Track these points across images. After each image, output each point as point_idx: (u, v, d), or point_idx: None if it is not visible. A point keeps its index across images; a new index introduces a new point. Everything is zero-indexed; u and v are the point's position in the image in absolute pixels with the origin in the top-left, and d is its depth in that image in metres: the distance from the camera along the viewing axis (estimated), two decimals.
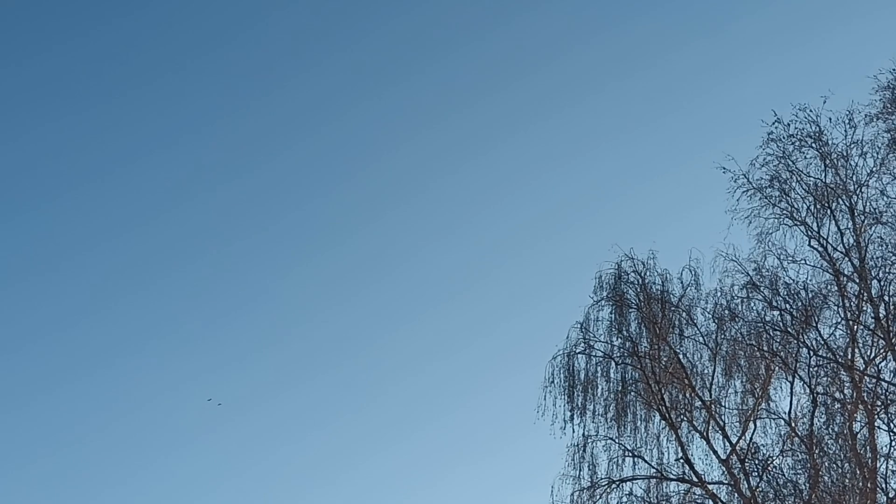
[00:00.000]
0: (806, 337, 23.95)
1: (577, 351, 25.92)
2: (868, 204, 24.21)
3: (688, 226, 39.72)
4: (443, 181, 53.27)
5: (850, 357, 23.58)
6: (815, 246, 24.37)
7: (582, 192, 49.98)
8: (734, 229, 24.99)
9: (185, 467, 47.53)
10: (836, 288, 24.05)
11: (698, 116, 47.56)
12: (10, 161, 52.88)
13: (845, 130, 24.48)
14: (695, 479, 24.50)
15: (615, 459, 25.16)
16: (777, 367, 24.60)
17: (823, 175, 24.56)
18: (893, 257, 23.58)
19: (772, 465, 24.15)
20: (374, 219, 52.52)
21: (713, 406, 24.83)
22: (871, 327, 23.66)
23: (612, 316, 25.92)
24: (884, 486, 22.91)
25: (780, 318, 24.31)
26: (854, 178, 24.42)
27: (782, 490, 23.87)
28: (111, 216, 53.66)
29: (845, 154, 24.49)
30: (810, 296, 24.09)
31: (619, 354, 25.70)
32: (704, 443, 24.63)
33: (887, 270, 23.60)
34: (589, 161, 50.12)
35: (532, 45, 52.66)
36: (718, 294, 25.40)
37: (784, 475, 24.06)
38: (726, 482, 24.25)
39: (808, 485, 23.58)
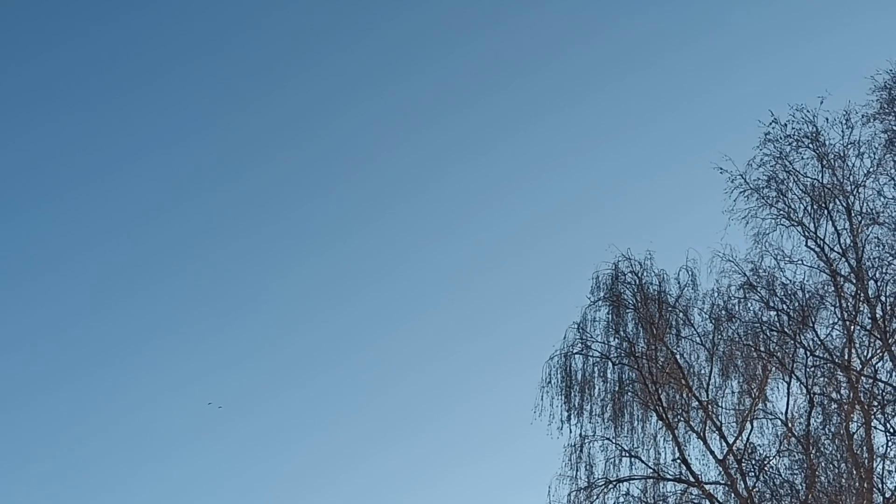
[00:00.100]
0: (803, 337, 23.97)
1: (575, 351, 25.97)
2: (865, 204, 24.25)
3: (685, 226, 39.77)
4: (441, 181, 53.33)
5: (846, 357, 23.59)
6: (812, 246, 24.40)
7: (579, 193, 50.02)
8: (731, 230, 25.06)
9: (185, 467, 47.58)
10: (832, 288, 24.06)
11: (695, 117, 47.61)
12: (10, 161, 52.95)
13: (842, 131, 24.53)
14: (692, 479, 24.53)
15: (612, 459, 25.21)
16: (774, 368, 24.61)
17: (820, 175, 24.59)
18: (890, 258, 23.60)
19: (768, 466, 24.17)
20: (373, 219, 52.61)
21: (710, 406, 24.85)
22: (868, 328, 23.68)
23: (609, 316, 25.97)
24: (880, 486, 22.92)
25: (776, 319, 24.33)
26: (851, 179, 24.45)
27: (779, 490, 23.89)
28: (111, 216, 53.73)
29: (842, 154, 24.51)
30: (807, 296, 24.11)
31: (616, 355, 25.73)
32: (701, 443, 24.67)
33: (884, 271, 23.63)
34: (586, 161, 50.19)
35: (531, 45, 52.72)
36: (715, 294, 25.46)
37: (781, 475, 24.08)
38: (723, 482, 24.27)
39: (804, 485, 23.60)
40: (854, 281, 23.86)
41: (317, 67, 54.34)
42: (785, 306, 24.23)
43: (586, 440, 25.36)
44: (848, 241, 24.11)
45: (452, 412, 48.10)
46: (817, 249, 24.31)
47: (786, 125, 24.77)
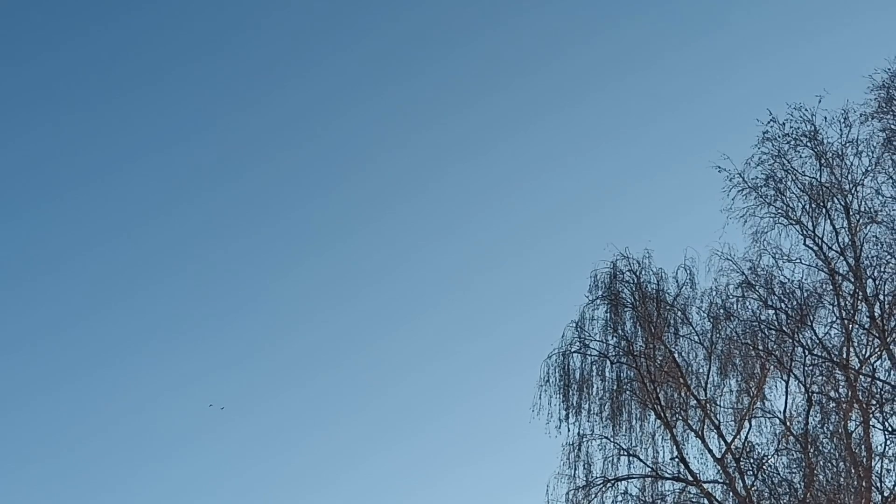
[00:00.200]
0: (801, 336, 23.96)
1: (573, 350, 25.98)
2: (863, 203, 24.24)
3: (683, 225, 39.78)
4: (441, 181, 53.37)
5: (845, 356, 23.57)
6: (811, 245, 24.41)
7: (577, 192, 50.06)
8: (729, 228, 25.05)
9: (185, 467, 47.61)
10: (831, 287, 24.05)
11: (694, 116, 47.62)
12: (10, 161, 52.97)
13: (840, 130, 24.52)
14: (690, 477, 24.53)
15: (610, 458, 25.23)
16: (772, 366, 24.61)
17: (819, 174, 24.58)
18: (888, 256, 23.59)
19: (767, 464, 24.19)
20: (373, 219, 52.65)
21: (708, 405, 24.86)
22: (867, 326, 23.67)
23: (608, 315, 25.98)
24: (879, 484, 22.92)
25: (775, 317, 24.33)
26: (849, 178, 24.44)
27: (777, 489, 23.90)
28: (111, 216, 53.77)
29: (840, 153, 24.50)
30: (805, 295, 24.10)
31: (614, 353, 25.74)
32: (699, 442, 24.68)
33: (882, 269, 23.62)
34: (585, 161, 50.23)
35: (531, 45, 52.75)
36: (713, 293, 25.49)
37: (779, 474, 24.10)
38: (721, 481, 24.27)
39: (803, 483, 23.60)
40: (852, 279, 23.85)
41: (317, 67, 54.47)
42: (783, 305, 24.23)
43: (584, 439, 25.38)
44: (846, 239, 24.10)
45: (451, 411, 48.20)
46: (815, 248, 24.31)
47: (784, 124, 24.80)
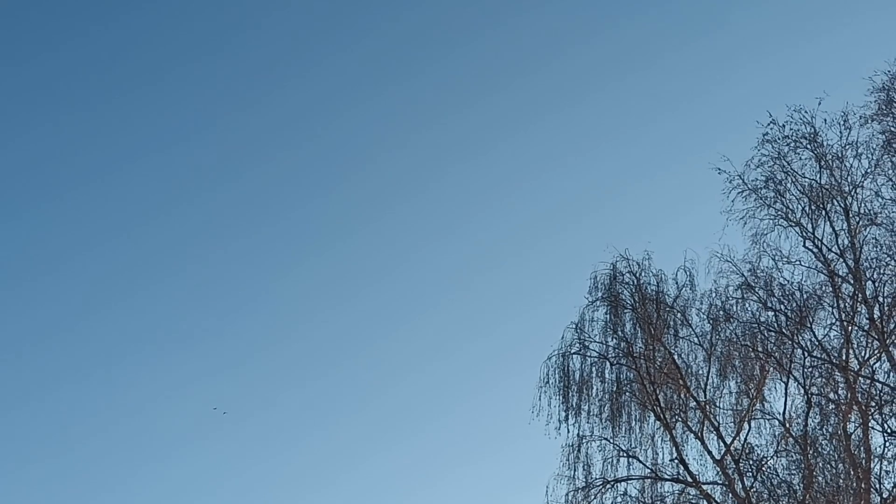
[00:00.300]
0: (800, 338, 23.99)
1: (572, 351, 26.00)
2: (863, 205, 24.25)
3: (683, 226, 39.78)
4: (441, 181, 53.32)
5: (844, 358, 23.60)
6: (810, 247, 24.41)
7: (577, 193, 50.02)
8: (729, 230, 25.07)
9: (185, 467, 47.58)
10: (830, 289, 24.08)
11: (694, 117, 47.56)
12: (10, 161, 52.95)
13: (840, 132, 24.52)
14: (689, 479, 24.57)
15: (610, 459, 25.25)
16: (771, 368, 24.64)
17: (818, 176, 24.59)
18: (888, 258, 23.61)
19: (766, 466, 24.21)
20: (373, 219, 52.59)
21: (708, 406, 24.88)
22: (866, 328, 23.69)
23: (607, 316, 26.00)
24: (878, 486, 22.94)
25: (774, 319, 24.35)
26: (849, 180, 24.45)
27: (776, 490, 23.92)
28: (111, 216, 53.72)
29: (840, 155, 24.51)
30: (805, 297, 24.13)
31: (613, 355, 25.76)
32: (699, 443, 24.71)
33: (882, 271, 23.64)
34: (584, 162, 50.19)
35: (531, 45, 52.73)
36: (713, 295, 25.50)
37: (778, 475, 24.13)
38: (721, 482, 24.31)
39: (802, 485, 23.62)
40: (852, 281, 23.87)
41: (317, 67, 54.44)
42: (783, 307, 24.26)
43: (584, 440, 25.41)
44: (846, 241, 24.12)
45: (451, 412, 48.13)
46: (815, 250, 24.32)
47: (784, 126, 24.79)
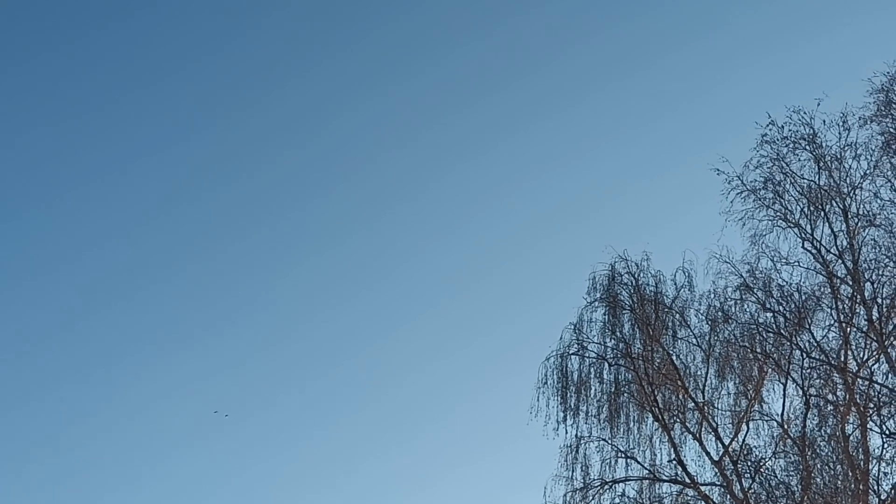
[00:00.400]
0: (799, 339, 23.99)
1: (571, 352, 25.99)
2: (861, 206, 24.23)
3: (681, 227, 39.80)
4: (441, 181, 53.33)
5: (842, 359, 23.60)
6: (809, 248, 24.38)
7: (576, 194, 50.03)
8: (728, 231, 25.05)
9: (185, 468, 47.59)
10: (829, 290, 24.07)
11: (692, 118, 47.53)
12: (10, 161, 52.96)
13: (839, 133, 24.48)
14: (687, 480, 24.57)
15: (608, 460, 25.25)
16: (770, 369, 24.64)
17: (817, 177, 24.57)
18: (887, 260, 23.59)
19: (764, 467, 24.22)
20: (373, 219, 52.61)
21: (706, 407, 24.88)
22: (864, 329, 23.67)
23: (606, 317, 25.99)
24: (876, 487, 22.94)
25: (773, 320, 24.35)
26: (848, 181, 24.41)
27: (775, 492, 23.93)
28: (111, 216, 53.75)
29: (839, 156, 24.48)
30: (803, 298, 24.12)
31: (612, 356, 25.75)
32: (697, 444, 24.72)
33: (880, 273, 23.63)
34: (583, 162, 50.21)
35: (531, 45, 52.72)
36: (712, 296, 25.50)
37: (776, 477, 24.13)
38: (719, 483, 24.30)
39: (800, 486, 23.64)
40: (850, 283, 23.86)
41: (317, 67, 54.41)
42: (781, 308, 24.26)
43: (582, 441, 25.40)
44: (844, 242, 24.09)
45: (449, 413, 48.14)
46: (814, 251, 24.30)
47: (783, 127, 24.77)
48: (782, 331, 24.11)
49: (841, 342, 23.73)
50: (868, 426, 23.16)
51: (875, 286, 23.58)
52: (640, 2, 51.25)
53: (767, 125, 24.80)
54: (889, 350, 23.30)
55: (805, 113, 24.63)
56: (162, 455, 47.94)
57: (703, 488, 24.43)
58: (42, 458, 47.25)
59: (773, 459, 24.30)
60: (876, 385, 23.35)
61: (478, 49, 52.80)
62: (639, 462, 25.16)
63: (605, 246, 26.52)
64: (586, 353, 25.92)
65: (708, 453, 24.53)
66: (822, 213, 24.36)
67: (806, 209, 24.53)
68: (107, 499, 45.44)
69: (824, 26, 46.09)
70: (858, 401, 23.26)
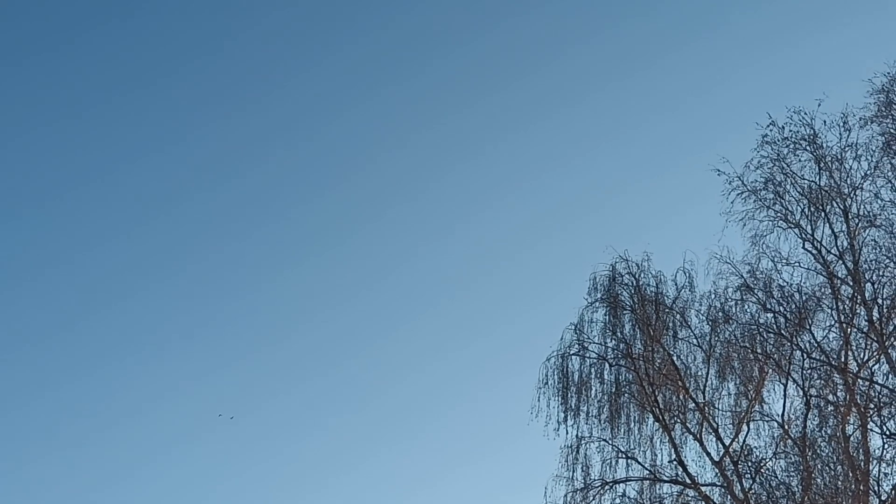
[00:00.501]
0: (799, 339, 23.99)
1: (571, 352, 25.99)
2: (862, 207, 24.23)
3: (682, 228, 39.83)
4: (441, 181, 53.35)
5: (843, 360, 23.60)
6: (809, 248, 24.38)
7: (577, 194, 50.02)
8: (728, 231, 25.05)
9: (185, 467, 47.61)
10: (829, 291, 24.07)
11: (693, 118, 47.56)
12: (10, 161, 52.96)
13: (840, 133, 24.48)
14: (688, 480, 24.57)
15: (609, 461, 25.24)
16: (770, 370, 24.65)
17: (818, 178, 24.57)
18: (887, 260, 23.60)
19: (765, 467, 24.22)
20: (373, 219, 52.62)
21: (707, 408, 24.88)
22: (865, 330, 23.67)
23: (606, 317, 26.00)
24: (876, 488, 22.94)
25: (773, 321, 24.35)
26: (848, 181, 24.42)
27: (775, 492, 23.93)
28: (111, 216, 53.75)
29: (840, 157, 24.48)
30: (804, 298, 24.13)
31: (612, 356, 25.75)
32: (698, 444, 24.72)
33: (881, 273, 23.63)
34: (584, 162, 50.16)
35: (531, 45, 52.72)
36: (712, 296, 25.50)
37: (777, 477, 24.13)
38: (719, 484, 24.30)
39: (800, 487, 23.64)
40: (851, 283, 23.87)
41: (316, 67, 54.41)
42: (782, 308, 24.26)
43: (583, 441, 25.40)
44: (845, 243, 24.10)
45: (450, 413, 48.15)
46: (814, 252, 24.31)
47: (783, 127, 24.77)
48: (783, 331, 24.12)
49: (841, 343, 23.74)
50: (868, 427, 23.16)
51: (875, 287, 23.59)
52: (640, 2, 51.31)
53: (768, 126, 24.86)
54: (889, 351, 23.31)
55: (805, 113, 24.68)
56: (162, 455, 47.95)
57: (703, 489, 24.43)
58: (42, 457, 47.31)
59: (774, 460, 24.32)
60: (876, 386, 23.36)
61: (478, 49, 52.85)
62: (639, 462, 25.18)
63: (606, 246, 26.58)
64: (587, 354, 25.94)
65: (708, 454, 24.54)
66: (823, 214, 24.36)
67: (806, 210, 24.54)
68: (107, 498, 45.48)
69: (824, 26, 46.10)
70: (859, 401, 23.26)
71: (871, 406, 23.18)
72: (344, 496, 44.14)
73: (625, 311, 25.88)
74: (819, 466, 23.75)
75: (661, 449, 25.18)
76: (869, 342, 23.68)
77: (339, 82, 53.27)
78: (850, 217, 24.16)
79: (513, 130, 51.88)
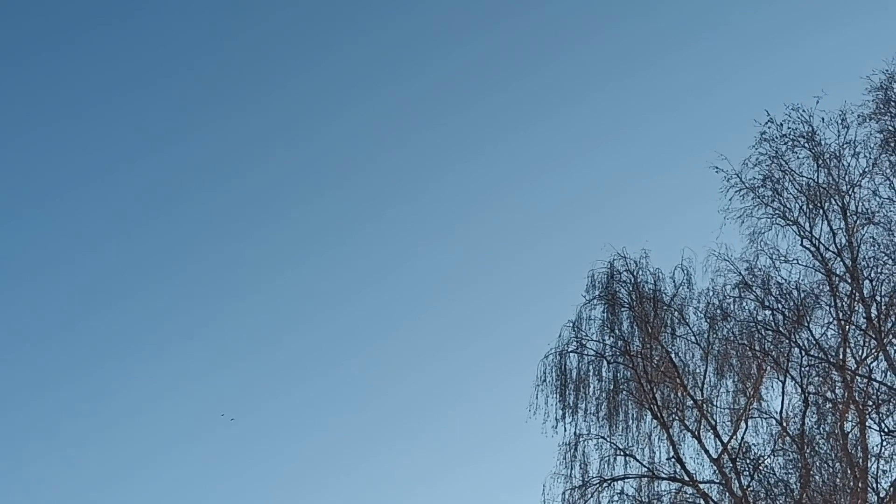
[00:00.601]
0: (798, 336, 23.98)
1: (570, 350, 25.99)
2: (860, 204, 24.19)
3: (680, 225, 39.76)
4: (441, 181, 53.34)
5: (841, 357, 23.59)
6: (808, 246, 24.37)
7: (576, 193, 50.01)
8: (727, 229, 25.04)
9: (185, 467, 47.55)
10: (828, 288, 24.07)
11: (691, 116, 47.53)
12: (10, 161, 52.97)
13: (838, 131, 24.46)
14: (686, 478, 24.57)
15: (607, 458, 25.26)
16: (769, 367, 24.64)
17: (816, 175, 24.55)
18: (885, 257, 23.59)
19: (763, 465, 24.22)
20: (373, 219, 52.60)
21: (705, 405, 24.88)
22: (863, 327, 23.67)
23: (605, 315, 25.99)
24: (874, 485, 22.94)
25: (771, 318, 24.35)
26: (846, 179, 24.40)
27: (773, 489, 23.92)
28: (111, 216, 53.74)
29: (838, 154, 24.47)
30: (802, 296, 24.11)
31: (611, 353, 25.75)
32: (696, 442, 24.72)
33: (879, 271, 23.61)
34: (583, 161, 50.16)
35: (531, 45, 52.73)
36: (710, 293, 25.48)
37: (775, 474, 24.13)
38: (717, 481, 24.30)
39: (798, 484, 23.63)
40: (849, 280, 23.85)
41: (316, 67, 54.39)
42: (780, 306, 24.25)
43: (581, 439, 25.39)
44: (843, 240, 24.08)
45: (448, 412, 48.17)
46: (812, 249, 24.29)
47: (781, 125, 24.74)
48: (781, 328, 24.11)
49: (840, 340, 23.73)
50: (867, 424, 23.14)
51: (874, 284, 23.58)
52: (640, 2, 51.29)
53: (766, 123, 24.81)
54: (888, 348, 23.30)
55: (804, 111, 24.63)
56: (162, 455, 47.89)
57: (701, 486, 24.43)
58: (42, 457, 47.30)
59: (772, 457, 24.31)
60: (875, 383, 23.34)
61: (477, 49, 52.84)
62: (637, 460, 25.18)
63: (604, 244, 26.57)
64: (585, 351, 25.93)
65: (707, 451, 24.53)
66: (821, 211, 24.35)
67: (805, 207, 24.53)
68: (107, 498, 45.44)
69: (823, 25, 46.09)
70: (857, 398, 23.25)
71: (870, 403, 23.16)
72: (344, 496, 44.18)
73: (623, 309, 25.87)
74: (817, 464, 23.75)
75: (660, 446, 25.22)
76: (867, 339, 23.67)
77: (339, 82, 53.34)
78: (848, 214, 24.15)
79: (513, 130, 51.92)
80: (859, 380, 23.44)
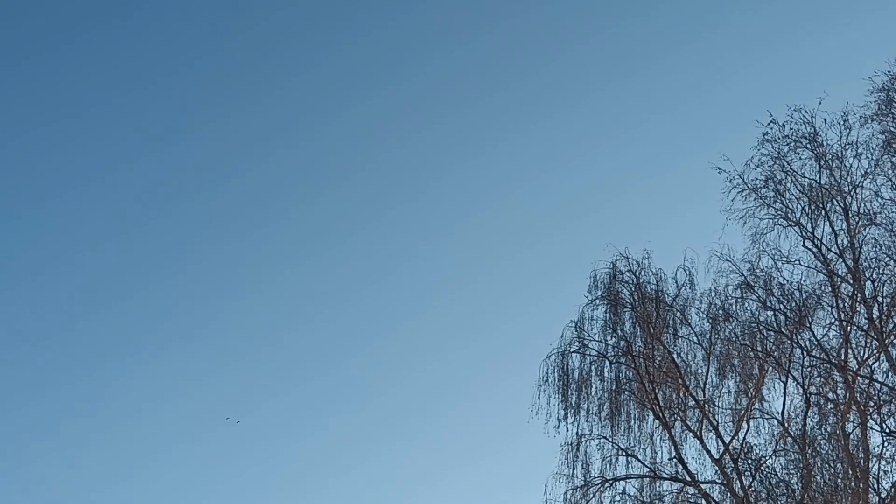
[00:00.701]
0: (799, 337, 24.01)
1: (572, 350, 26.02)
2: (862, 205, 24.26)
3: (683, 226, 39.84)
4: (441, 181, 53.38)
5: (843, 358, 23.62)
6: (810, 247, 24.42)
7: (577, 193, 50.07)
8: (729, 229, 25.09)
9: (185, 467, 47.57)
10: (829, 289, 24.11)
11: (694, 117, 47.61)
12: (10, 161, 52.98)
13: (840, 132, 24.52)
14: (688, 478, 24.59)
15: (609, 458, 25.29)
16: (770, 368, 24.67)
17: (818, 176, 24.60)
18: (887, 258, 23.63)
19: (765, 465, 24.25)
20: (373, 219, 52.64)
21: (707, 405, 24.91)
22: (865, 328, 23.71)
23: (607, 315, 26.02)
24: (876, 486, 22.96)
25: (773, 319, 24.38)
26: (849, 180, 24.45)
27: (775, 490, 23.95)
28: (111, 216, 53.76)
29: (840, 155, 24.52)
30: (804, 296, 24.15)
31: (613, 353, 25.78)
32: (698, 442, 24.76)
33: (881, 271, 23.67)
34: (584, 161, 50.21)
35: (531, 45, 52.77)
36: (713, 294, 25.52)
37: (777, 475, 24.16)
38: (719, 481, 24.33)
39: (800, 485, 23.66)
40: (851, 281, 23.89)
41: (316, 67, 54.43)
42: (782, 306, 24.28)
43: (583, 439, 25.42)
44: (845, 241, 24.13)
45: (450, 411, 48.19)
46: (814, 250, 24.34)
47: (784, 126, 24.80)
48: (783, 329, 24.15)
49: (841, 341, 23.76)
50: (868, 424, 23.19)
51: (875, 285, 23.63)
52: (640, 2, 51.34)
53: (768, 124, 24.89)
54: (889, 348, 23.34)
55: (806, 112, 24.71)
56: (162, 455, 47.92)
57: (703, 486, 24.46)
58: (42, 457, 47.31)
59: (774, 457, 24.35)
60: (876, 383, 23.40)
61: (477, 49, 52.89)
62: (639, 460, 25.21)
63: (607, 244, 26.60)
64: (587, 351, 25.96)
65: (708, 451, 24.56)
66: (823, 212, 24.40)
67: (807, 208, 24.57)
68: (107, 498, 45.46)
69: (824, 25, 46.14)
70: (859, 399, 23.29)
71: (871, 404, 23.21)
72: (344, 496, 44.20)
73: (625, 309, 25.91)
74: (819, 464, 23.78)
75: (661, 446, 25.26)
76: (869, 340, 23.71)
77: (339, 82, 53.38)
78: (850, 215, 24.20)
79: (513, 130, 51.97)
80: (861, 380, 23.48)
